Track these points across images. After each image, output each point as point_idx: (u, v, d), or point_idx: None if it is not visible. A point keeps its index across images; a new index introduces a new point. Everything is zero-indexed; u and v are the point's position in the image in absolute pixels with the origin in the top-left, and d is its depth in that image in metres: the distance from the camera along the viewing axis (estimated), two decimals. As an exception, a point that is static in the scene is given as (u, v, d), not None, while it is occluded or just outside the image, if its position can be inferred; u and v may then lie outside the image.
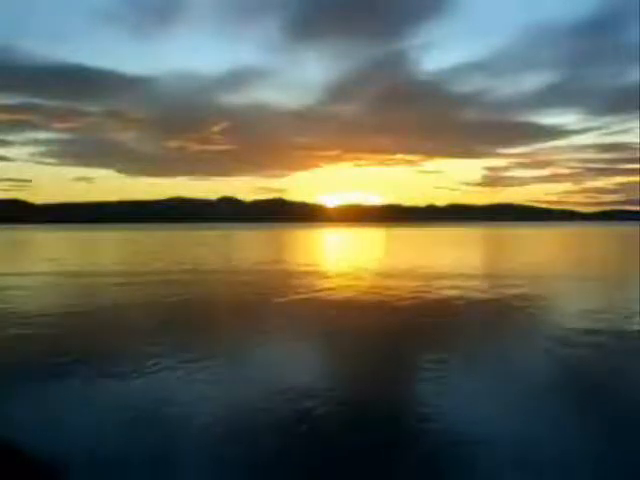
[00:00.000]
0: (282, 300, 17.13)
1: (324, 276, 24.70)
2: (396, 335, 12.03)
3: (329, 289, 19.90)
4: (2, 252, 47.34)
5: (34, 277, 24.51)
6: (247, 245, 60.31)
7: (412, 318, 13.81)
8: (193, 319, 13.97)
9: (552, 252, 43.27)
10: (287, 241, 72.30)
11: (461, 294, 18.18)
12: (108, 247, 56.77)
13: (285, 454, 5.90)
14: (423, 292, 18.74)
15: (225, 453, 5.92)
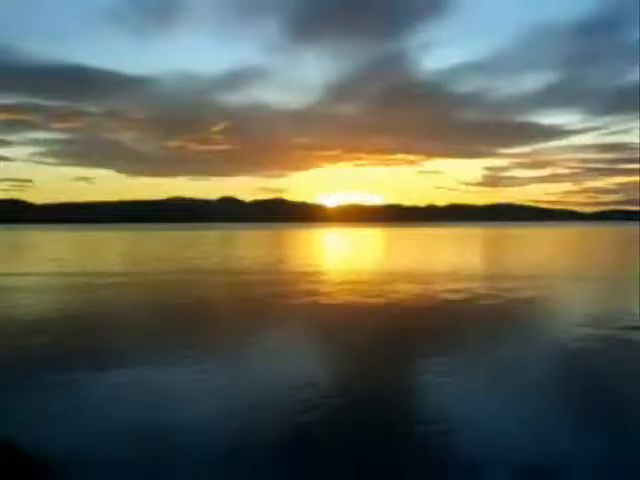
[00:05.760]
0: (282, 301, 17.13)
1: (324, 276, 24.71)
2: (396, 335, 12.06)
3: (329, 289, 19.91)
4: (2, 253, 47.30)
5: (34, 278, 24.50)
6: (247, 245, 60.27)
7: (413, 318, 13.81)
8: (194, 319, 13.97)
9: (552, 252, 43.24)
10: (287, 241, 72.25)
11: (461, 294, 18.17)
12: (108, 247, 56.73)
13: (286, 455, 5.87)
14: (424, 292, 18.74)
15: (225, 454, 5.92)
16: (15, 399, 7.71)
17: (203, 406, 7.38)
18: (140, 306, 16.17)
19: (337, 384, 8.32)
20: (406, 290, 19.38)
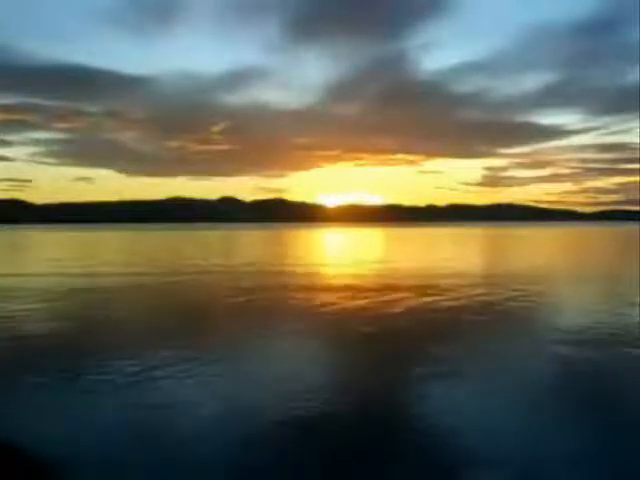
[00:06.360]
0: (282, 301, 17.10)
1: (324, 277, 24.68)
2: (396, 336, 12.05)
3: (329, 290, 19.88)
4: (2, 253, 47.27)
5: (34, 278, 24.46)
6: (247, 245, 60.25)
7: (413, 319, 13.75)
8: (195, 319, 13.92)
9: (552, 252, 43.23)
10: (287, 241, 72.22)
11: (462, 295, 18.14)
12: (108, 247, 56.71)
13: (286, 456, 5.87)
14: (424, 293, 18.70)
15: (225, 454, 5.92)
16: (15, 399, 7.68)
17: (203, 406, 7.38)
18: (140, 306, 16.11)
19: (337, 385, 8.31)
20: (406, 290, 19.32)
